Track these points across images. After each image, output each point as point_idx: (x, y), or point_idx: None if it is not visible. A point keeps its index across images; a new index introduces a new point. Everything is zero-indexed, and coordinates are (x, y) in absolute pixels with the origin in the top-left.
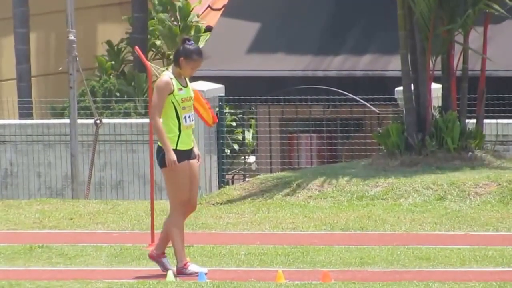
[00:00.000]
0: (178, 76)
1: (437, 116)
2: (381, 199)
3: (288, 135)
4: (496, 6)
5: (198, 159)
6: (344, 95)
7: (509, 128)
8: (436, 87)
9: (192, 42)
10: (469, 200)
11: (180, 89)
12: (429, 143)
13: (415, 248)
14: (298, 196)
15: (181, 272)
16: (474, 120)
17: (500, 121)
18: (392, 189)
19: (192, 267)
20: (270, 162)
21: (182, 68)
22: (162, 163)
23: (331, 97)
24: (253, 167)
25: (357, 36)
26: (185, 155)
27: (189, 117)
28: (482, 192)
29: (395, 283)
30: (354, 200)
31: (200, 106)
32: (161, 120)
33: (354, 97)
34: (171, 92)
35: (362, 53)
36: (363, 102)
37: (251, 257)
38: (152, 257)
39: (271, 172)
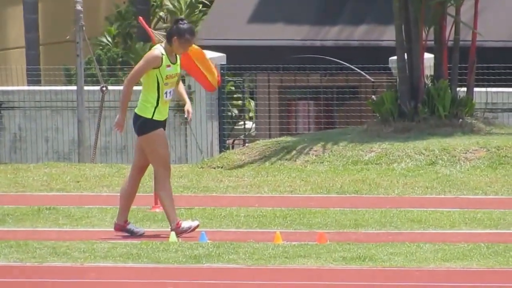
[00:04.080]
0: (169, 53)
1: (429, 85)
2: (375, 163)
3: (287, 102)
4: None
5: (189, 115)
6: (340, 64)
7: (498, 96)
8: (428, 57)
9: (185, 21)
10: (459, 165)
11: (168, 66)
12: (422, 110)
13: (407, 211)
14: (295, 160)
15: (176, 232)
16: (465, 89)
17: (489, 89)
18: (386, 154)
19: (184, 224)
20: (269, 128)
21: (175, 46)
22: (140, 131)
23: (328, 66)
24: (253, 132)
25: (353, 7)
26: (159, 124)
27: (169, 92)
28: (472, 158)
29: (388, 244)
30: (349, 165)
31: (205, 69)
32: (141, 89)
33: (350, 66)
34: (158, 67)
35: (358, 24)
36: (359, 70)
37: (250, 219)
38: (117, 228)
39: (270, 137)
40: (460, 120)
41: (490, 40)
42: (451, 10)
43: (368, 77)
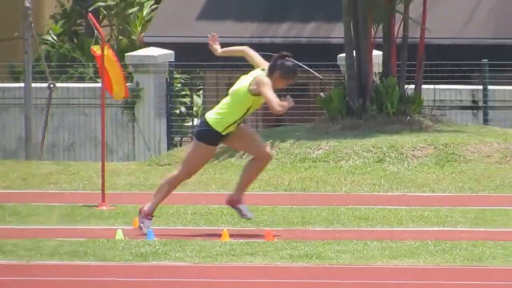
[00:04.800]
0: None
1: (378, 82)
2: (323, 161)
3: None
4: None
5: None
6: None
7: (445, 93)
8: (377, 54)
9: (291, 59)
10: (407, 162)
11: None
12: (370, 107)
13: (354, 208)
14: (243, 158)
15: (140, 213)
16: (413, 86)
17: (437, 86)
18: (334, 152)
19: (148, 224)
20: None
21: (275, 81)
22: (201, 137)
23: None
24: None
25: (303, 4)
26: (219, 141)
27: (245, 118)
28: (419, 155)
29: (335, 241)
30: (297, 162)
31: (114, 74)
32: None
33: (298, 63)
34: (260, 94)
35: (307, 21)
36: (307, 68)
37: (197, 217)
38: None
39: None
40: (408, 117)
41: (438, 38)
42: (400, 7)
43: (316, 74)
